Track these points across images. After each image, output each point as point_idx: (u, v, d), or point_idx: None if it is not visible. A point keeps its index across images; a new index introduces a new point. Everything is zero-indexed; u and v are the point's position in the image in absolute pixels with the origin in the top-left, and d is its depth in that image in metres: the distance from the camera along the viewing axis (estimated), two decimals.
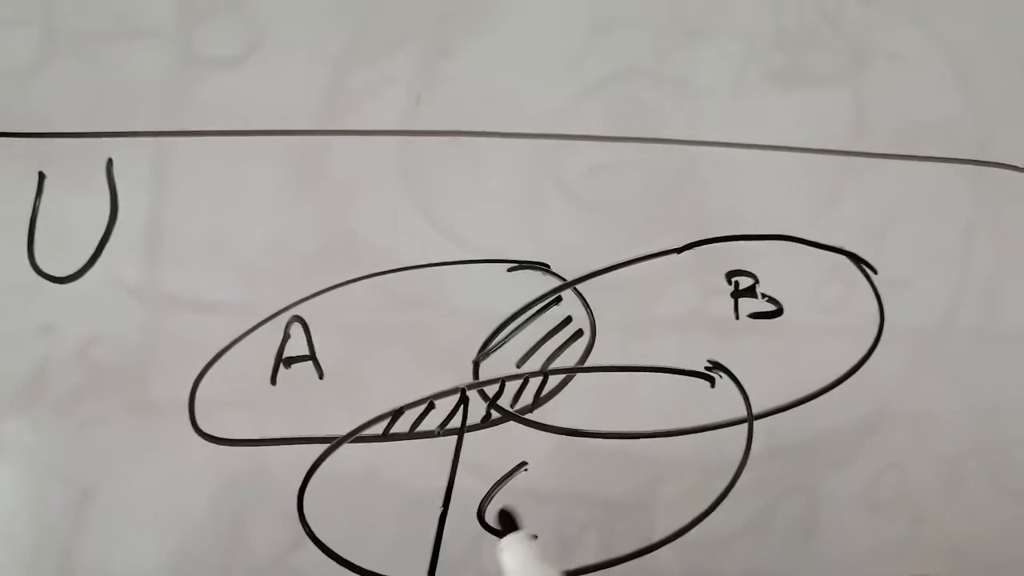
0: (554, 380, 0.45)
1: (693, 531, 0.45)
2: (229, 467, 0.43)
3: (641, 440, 0.45)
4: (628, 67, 0.48)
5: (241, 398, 0.43)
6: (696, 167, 0.48)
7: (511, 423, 0.45)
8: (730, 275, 0.47)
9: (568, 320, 0.46)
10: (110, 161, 0.44)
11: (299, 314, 0.44)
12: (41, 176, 0.44)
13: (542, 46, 0.47)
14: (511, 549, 0.36)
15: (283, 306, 0.44)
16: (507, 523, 0.37)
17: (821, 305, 0.47)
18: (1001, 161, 0.49)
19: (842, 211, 0.48)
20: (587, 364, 0.46)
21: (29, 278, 0.43)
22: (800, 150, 0.48)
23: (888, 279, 0.48)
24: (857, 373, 0.47)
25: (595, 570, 0.44)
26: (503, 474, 0.44)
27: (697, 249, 0.47)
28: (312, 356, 0.44)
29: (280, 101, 0.45)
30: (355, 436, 0.44)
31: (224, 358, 0.44)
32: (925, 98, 0.49)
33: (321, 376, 0.44)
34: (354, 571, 0.43)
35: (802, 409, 0.46)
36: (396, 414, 0.44)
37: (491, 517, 0.41)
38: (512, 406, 0.45)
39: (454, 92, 0.47)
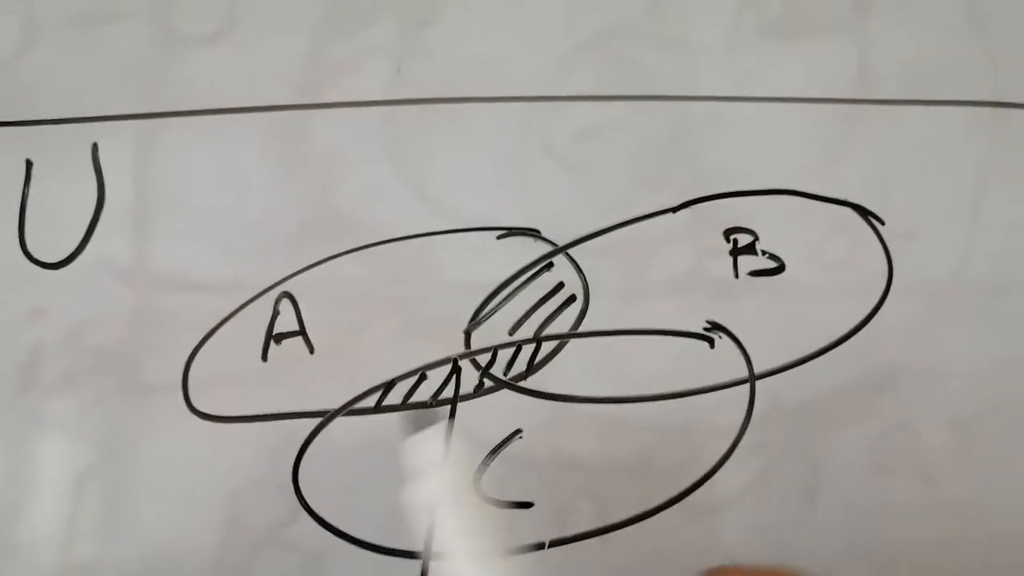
0: (548, 347, 0.45)
1: (692, 495, 0.44)
2: (224, 444, 0.43)
3: (638, 404, 0.44)
4: (618, 25, 0.46)
5: (233, 376, 0.44)
6: (691, 125, 0.46)
7: (505, 391, 0.44)
8: (728, 233, 0.46)
9: (560, 286, 0.45)
10: (95, 146, 0.45)
11: (288, 290, 0.44)
12: (28, 164, 0.44)
13: (527, 6, 0.46)
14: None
15: (271, 283, 0.44)
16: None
17: (825, 261, 0.46)
18: (1018, 102, 0.46)
19: (847, 163, 0.46)
20: (581, 329, 0.45)
21: (21, 265, 0.44)
22: (801, 100, 0.46)
23: (896, 232, 0.46)
24: (863, 330, 0.45)
25: (592, 536, 0.43)
26: (497, 443, 0.44)
27: (694, 208, 0.46)
28: (302, 331, 0.44)
29: (260, 76, 0.45)
30: (348, 409, 0.44)
31: (215, 337, 0.44)
32: (934, 41, 0.47)
33: (312, 351, 0.44)
34: (350, 542, 0.43)
35: (806, 368, 0.45)
36: (388, 386, 0.44)
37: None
38: (505, 374, 0.44)
39: (437, 58, 0.46)
